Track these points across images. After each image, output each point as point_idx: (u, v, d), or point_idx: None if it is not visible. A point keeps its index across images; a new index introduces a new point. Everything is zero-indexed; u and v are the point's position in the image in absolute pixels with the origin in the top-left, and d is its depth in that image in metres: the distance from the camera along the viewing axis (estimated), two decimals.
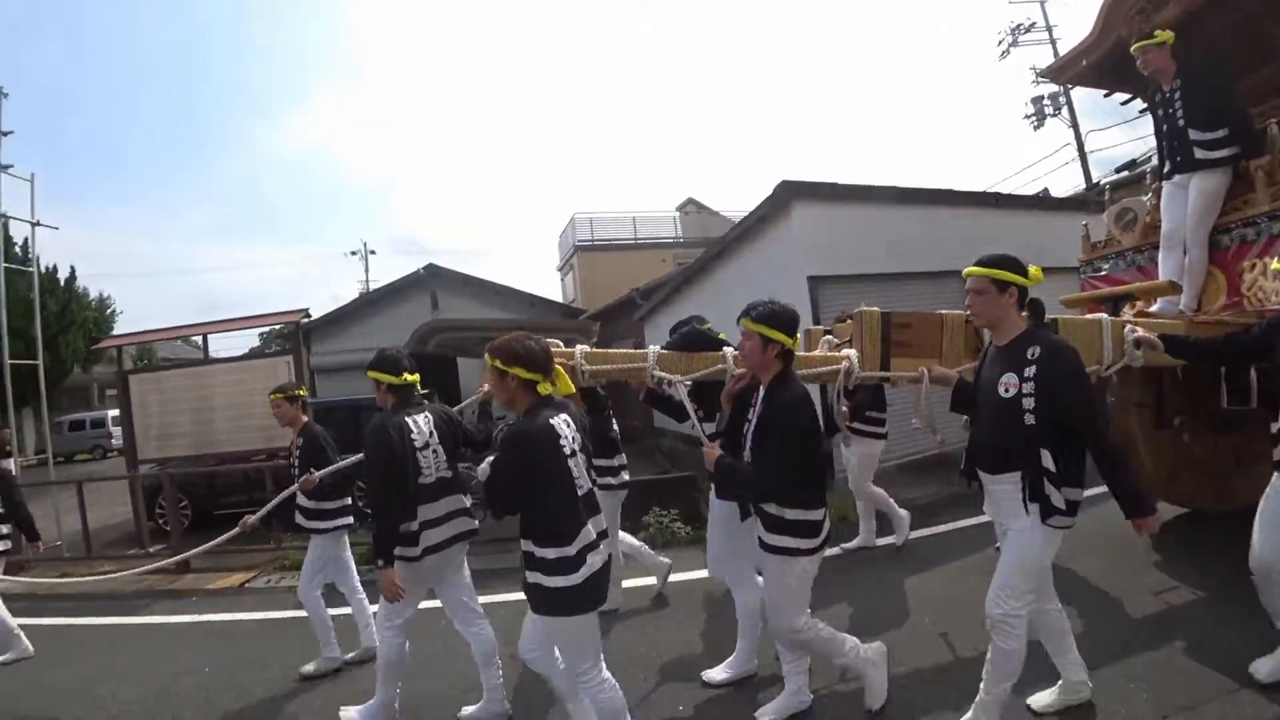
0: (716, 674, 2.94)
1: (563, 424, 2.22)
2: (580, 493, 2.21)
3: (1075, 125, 17.27)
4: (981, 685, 2.33)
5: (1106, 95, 4.99)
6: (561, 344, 2.94)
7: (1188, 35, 3.81)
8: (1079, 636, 2.53)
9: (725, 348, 2.90)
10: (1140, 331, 2.98)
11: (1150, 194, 4.24)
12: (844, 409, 3.59)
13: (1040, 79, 5.27)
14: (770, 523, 2.40)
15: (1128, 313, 3.71)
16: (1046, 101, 17.90)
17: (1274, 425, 2.46)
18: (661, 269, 20.88)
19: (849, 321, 3.35)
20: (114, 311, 19.70)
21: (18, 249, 16.86)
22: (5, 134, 9.63)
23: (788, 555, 2.37)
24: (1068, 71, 4.85)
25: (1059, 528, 2.18)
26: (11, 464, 9.28)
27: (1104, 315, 3.14)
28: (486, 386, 3.02)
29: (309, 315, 9.09)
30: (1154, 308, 3.81)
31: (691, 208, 24.94)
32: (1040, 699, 2.46)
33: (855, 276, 6.55)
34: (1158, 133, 3.91)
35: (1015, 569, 2.25)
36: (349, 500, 3.65)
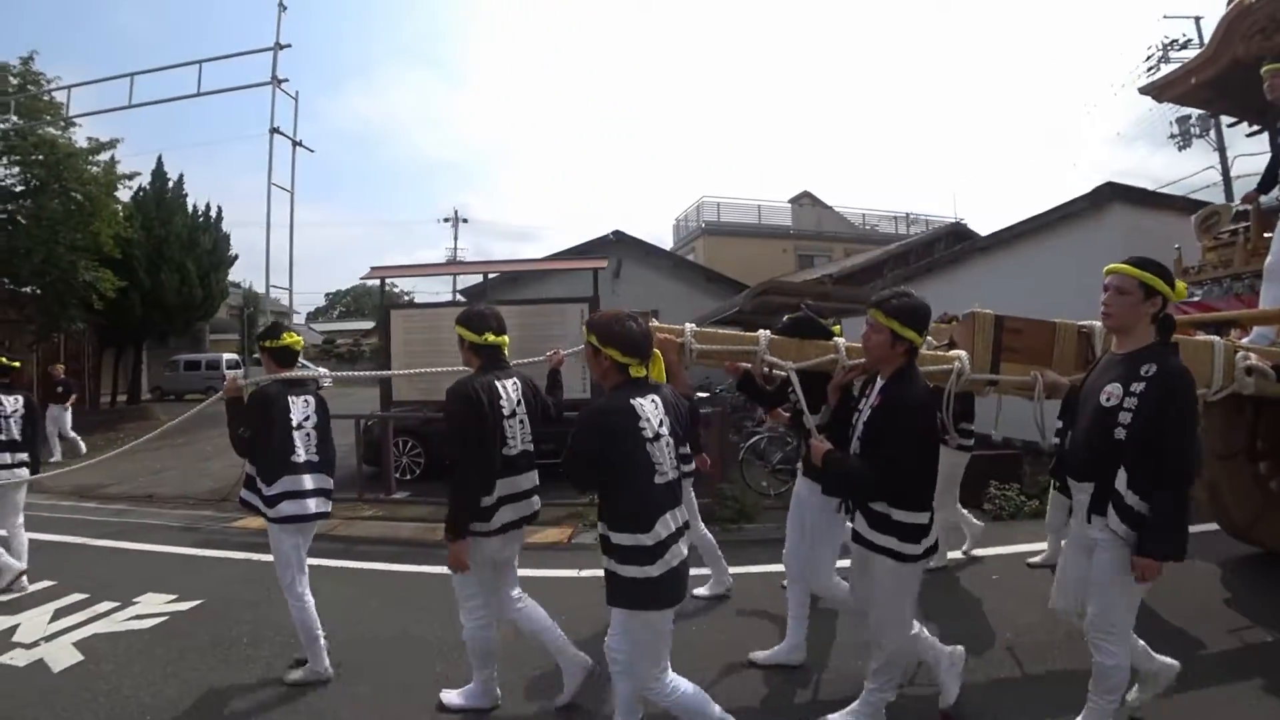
0: (760, 655, 2.98)
1: (648, 404, 2.11)
2: (659, 480, 2.09)
3: (1221, 148, 15.87)
4: (1089, 695, 2.27)
5: (1210, 116, 4.88)
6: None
7: None
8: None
9: (837, 338, 2.85)
10: (1254, 359, 2.93)
11: (1240, 203, 4.12)
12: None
13: (1143, 93, 5.02)
14: (875, 520, 2.28)
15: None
16: (1194, 122, 16.91)
17: None
18: (783, 259, 21.20)
19: (952, 323, 3.32)
20: (235, 255, 20.11)
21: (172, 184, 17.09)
22: (284, 47, 9.58)
23: (888, 557, 2.26)
24: (1174, 89, 4.74)
25: None
26: (68, 408, 9.89)
27: (1216, 338, 3.07)
28: (556, 352, 2.96)
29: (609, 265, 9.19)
30: (1247, 339, 3.74)
31: (806, 200, 25.11)
32: (1132, 698, 2.42)
33: None
34: (1276, 158, 3.81)
35: (1107, 587, 2.17)
36: None
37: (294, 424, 2.96)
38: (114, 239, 12.47)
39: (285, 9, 9.66)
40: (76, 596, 4.07)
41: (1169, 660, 2.43)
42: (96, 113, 11.72)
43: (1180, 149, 17.87)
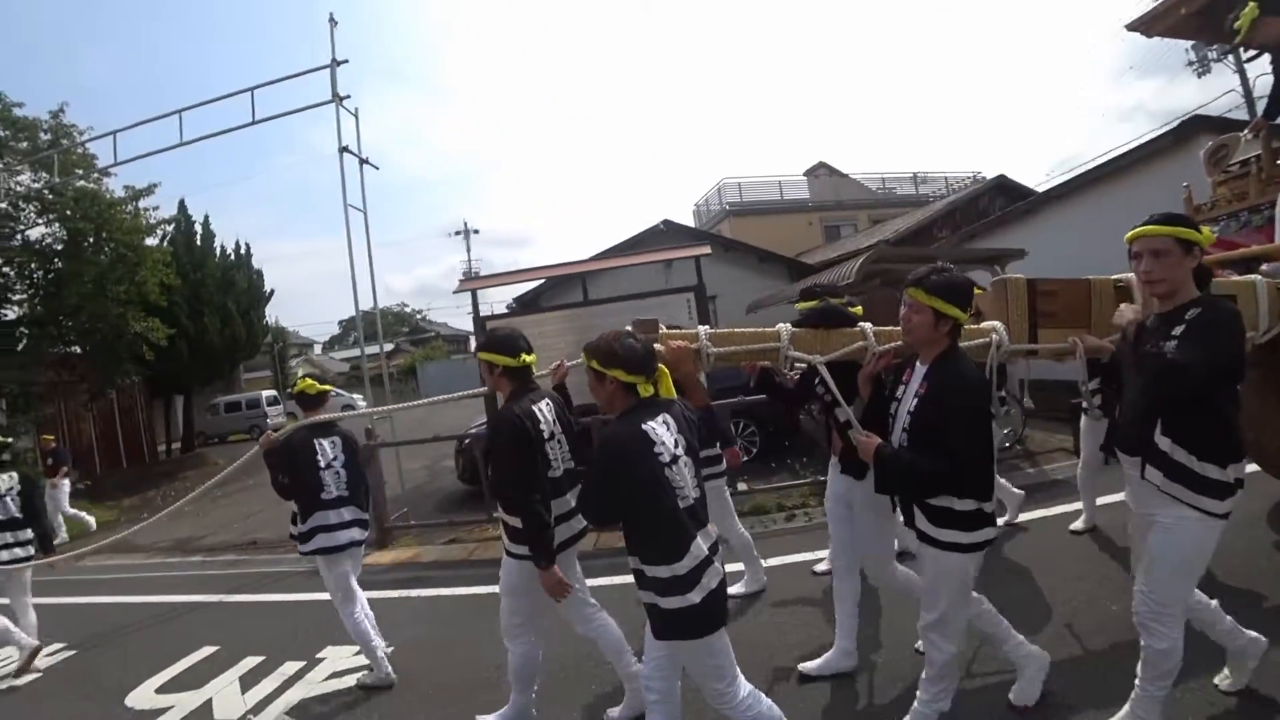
0: (811, 666, 2.90)
1: (660, 427, 2.05)
2: (684, 504, 2.02)
3: (1241, 70, 14.90)
4: (1137, 682, 2.16)
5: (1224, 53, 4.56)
6: (681, 328, 2.77)
7: None
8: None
9: (863, 323, 2.72)
10: None
11: (1248, 134, 3.85)
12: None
13: (1130, 30, 4.68)
14: (936, 515, 2.15)
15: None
16: (1213, 48, 16.15)
17: None
18: (809, 232, 21.21)
19: (980, 291, 3.18)
20: (272, 290, 20.66)
21: (196, 225, 17.41)
22: (341, 63, 9.17)
23: (955, 551, 2.14)
24: (1163, 21, 4.46)
25: (1215, 514, 1.96)
26: (65, 482, 9.27)
27: (1258, 277, 2.90)
28: (560, 364, 2.90)
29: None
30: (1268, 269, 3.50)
31: (823, 171, 24.99)
32: (1222, 680, 2.36)
33: None
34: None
35: (1160, 566, 2.05)
36: None
37: (321, 465, 3.35)
38: (159, 286, 12.52)
39: (336, 24, 9.28)
40: (253, 660, 3.83)
41: (1254, 635, 2.31)
42: (138, 157, 11.47)
43: (1200, 75, 17.00)
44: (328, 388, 3.66)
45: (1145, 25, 4.60)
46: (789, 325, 2.74)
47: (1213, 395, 1.96)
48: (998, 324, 2.66)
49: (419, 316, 48.71)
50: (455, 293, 10.87)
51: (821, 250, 18.30)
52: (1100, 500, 4.09)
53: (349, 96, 9.30)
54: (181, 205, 17.27)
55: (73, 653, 4.45)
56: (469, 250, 36.34)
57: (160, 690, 3.65)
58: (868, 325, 2.69)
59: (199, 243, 17.53)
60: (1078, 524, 4.19)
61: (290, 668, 3.70)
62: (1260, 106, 3.72)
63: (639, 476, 2.00)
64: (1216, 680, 2.37)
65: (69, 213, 11.51)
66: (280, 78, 10.06)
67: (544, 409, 2.63)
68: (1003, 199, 14.80)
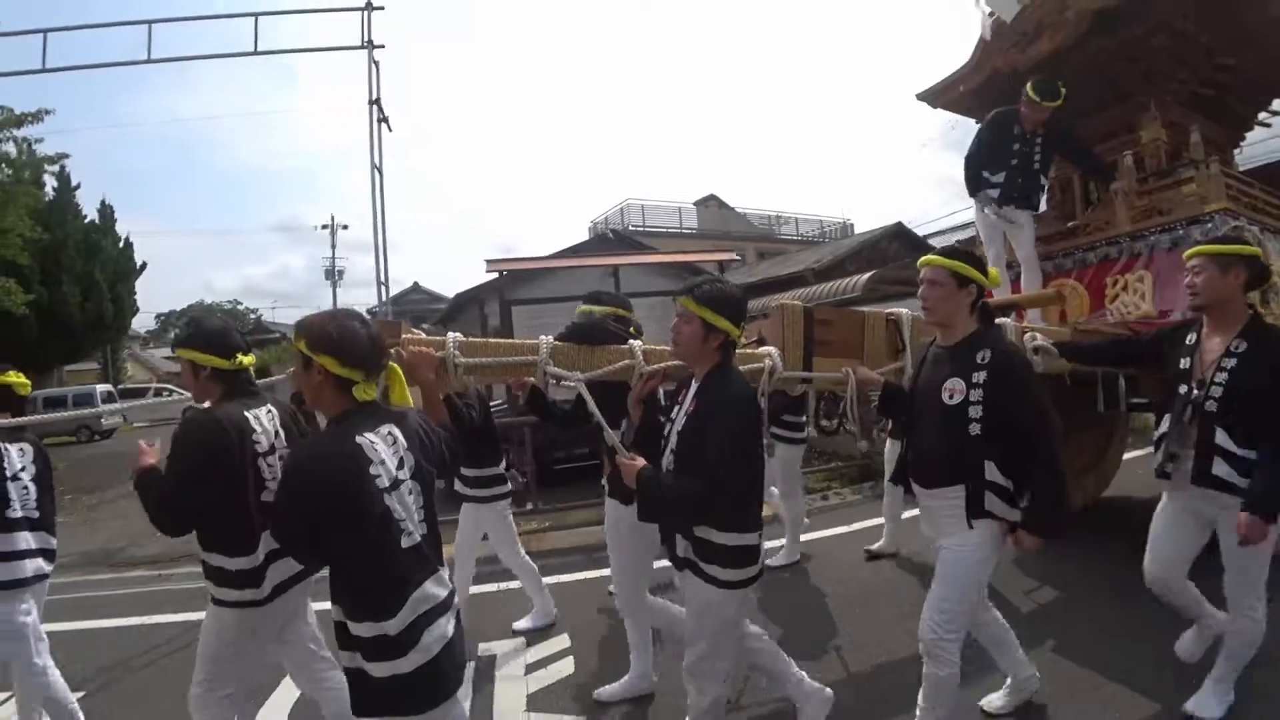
0: (606, 692, 2.77)
1: (382, 442, 1.60)
2: (406, 543, 1.58)
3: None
4: (918, 712, 2.14)
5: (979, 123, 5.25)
6: (423, 333, 2.35)
7: (1051, 70, 4.05)
8: None
9: (632, 341, 2.44)
10: (1040, 339, 2.96)
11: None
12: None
13: (919, 100, 5.36)
14: (702, 549, 1.95)
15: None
16: None
17: (1155, 431, 2.47)
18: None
19: (757, 320, 3.11)
20: (144, 263, 16.58)
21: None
22: (377, 8, 8.48)
23: (719, 587, 1.94)
24: (945, 96, 5.02)
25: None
26: None
27: (1009, 320, 3.11)
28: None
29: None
30: (1025, 320, 3.94)
31: (713, 203, 25.89)
32: (993, 701, 2.41)
33: None
34: (1005, 163, 4.00)
35: (949, 590, 2.09)
36: None
37: (8, 474, 2.59)
38: (20, 240, 9.58)
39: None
40: None
41: (1035, 675, 2.46)
42: (83, 67, 8.89)
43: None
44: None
45: (931, 97, 5.07)
46: (550, 339, 2.34)
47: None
48: (773, 349, 2.50)
49: (253, 316, 42.79)
50: (488, 271, 9.15)
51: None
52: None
53: (383, 46, 8.35)
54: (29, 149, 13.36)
55: None
56: (334, 246, 31.49)
57: None
58: (637, 344, 2.42)
59: (53, 195, 13.84)
60: (876, 546, 4.29)
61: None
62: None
63: (347, 505, 1.53)
64: (982, 703, 2.44)
65: None
66: (299, 10, 9.08)
67: (263, 417, 2.10)
68: (898, 243, 16.36)
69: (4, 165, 9.41)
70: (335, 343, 1.60)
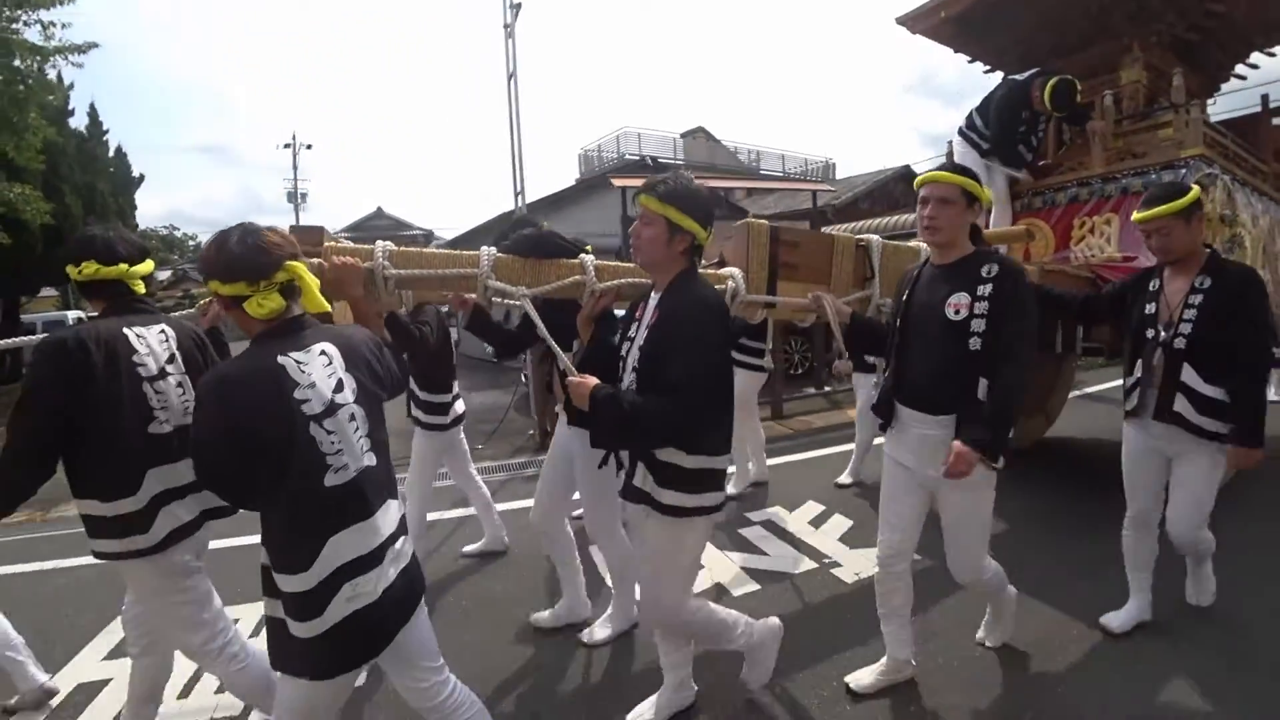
0: (598, 631, 2.57)
1: (312, 361, 1.41)
2: (333, 480, 1.38)
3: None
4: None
5: (971, 61, 5.03)
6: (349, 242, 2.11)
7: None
8: None
9: (584, 255, 2.23)
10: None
11: None
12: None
13: (898, 24, 5.07)
14: (664, 475, 1.78)
15: None
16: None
17: (1126, 379, 2.44)
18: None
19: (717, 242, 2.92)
20: (142, 175, 15.34)
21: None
22: None
23: (684, 516, 1.79)
24: (925, 21, 4.72)
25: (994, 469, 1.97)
26: None
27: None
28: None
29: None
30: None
31: (700, 135, 24.92)
32: (861, 678, 2.21)
33: None
34: (1014, 130, 3.93)
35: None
36: None
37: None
38: (39, 145, 8.43)
39: None
40: None
41: (911, 661, 2.32)
42: None
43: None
44: None
45: (910, 21, 4.76)
46: (493, 249, 2.12)
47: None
48: (735, 270, 2.33)
49: (193, 244, 39.69)
50: (615, 185, 8.38)
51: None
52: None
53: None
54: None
55: None
56: (295, 168, 26.85)
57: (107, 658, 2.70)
58: (589, 258, 2.21)
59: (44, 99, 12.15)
60: (844, 478, 4.28)
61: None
62: None
63: (265, 433, 1.34)
64: (849, 679, 2.24)
65: None
66: None
67: (150, 337, 1.83)
68: (904, 185, 16.12)
69: (28, 52, 8.05)
70: (212, 262, 1.43)
